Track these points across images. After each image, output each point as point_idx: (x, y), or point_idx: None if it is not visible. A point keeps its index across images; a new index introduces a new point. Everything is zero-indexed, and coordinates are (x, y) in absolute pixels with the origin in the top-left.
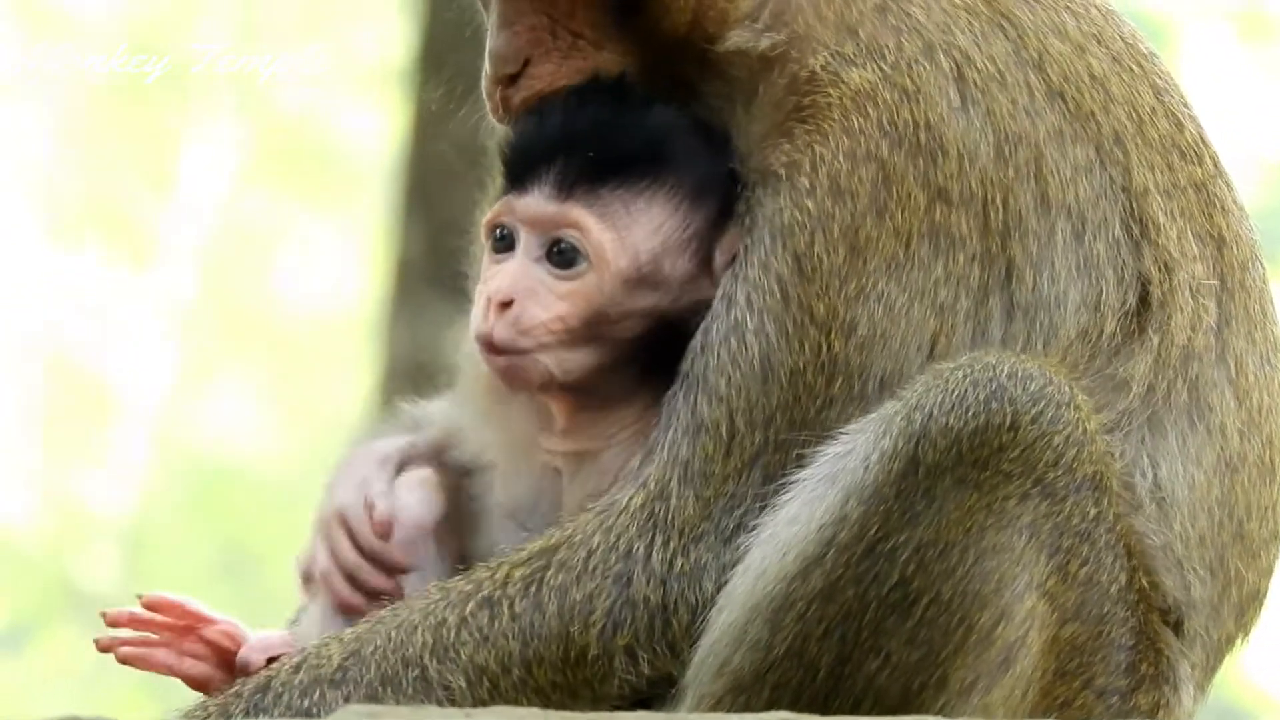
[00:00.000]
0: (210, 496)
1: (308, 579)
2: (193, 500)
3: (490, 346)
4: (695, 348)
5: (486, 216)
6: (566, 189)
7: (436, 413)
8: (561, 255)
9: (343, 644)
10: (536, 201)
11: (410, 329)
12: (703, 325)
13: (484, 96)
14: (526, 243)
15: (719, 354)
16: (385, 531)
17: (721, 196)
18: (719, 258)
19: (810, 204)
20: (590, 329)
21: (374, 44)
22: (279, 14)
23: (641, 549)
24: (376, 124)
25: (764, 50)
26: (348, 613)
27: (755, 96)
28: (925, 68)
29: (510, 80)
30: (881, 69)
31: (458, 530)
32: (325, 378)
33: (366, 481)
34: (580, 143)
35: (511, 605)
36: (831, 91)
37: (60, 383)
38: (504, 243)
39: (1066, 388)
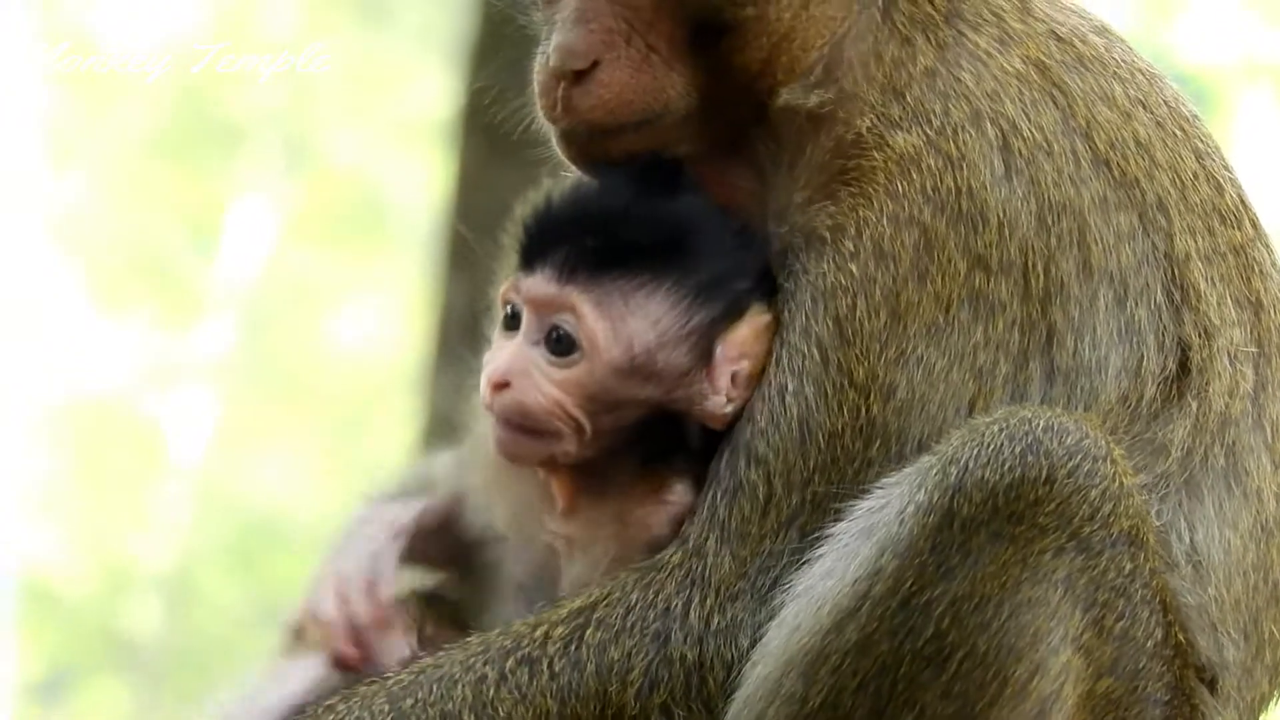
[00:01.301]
0: (252, 548)
1: (302, 632)
2: (234, 552)
3: (496, 418)
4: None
5: (500, 290)
6: (568, 273)
7: (445, 470)
8: (558, 341)
9: (389, 695)
10: (539, 283)
11: (452, 383)
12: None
13: (538, 93)
14: (527, 324)
15: (758, 416)
16: (380, 622)
17: (730, 295)
18: (720, 354)
19: (853, 267)
20: (587, 415)
21: (420, 101)
22: (329, 71)
23: (680, 606)
24: (421, 180)
25: (812, 108)
26: (343, 669)
27: (801, 157)
28: (971, 135)
29: (575, 79)
30: (927, 134)
31: (466, 603)
32: (367, 431)
33: (376, 556)
34: (588, 228)
35: (550, 664)
36: (876, 155)
37: (104, 435)
38: (513, 320)
39: (1103, 442)
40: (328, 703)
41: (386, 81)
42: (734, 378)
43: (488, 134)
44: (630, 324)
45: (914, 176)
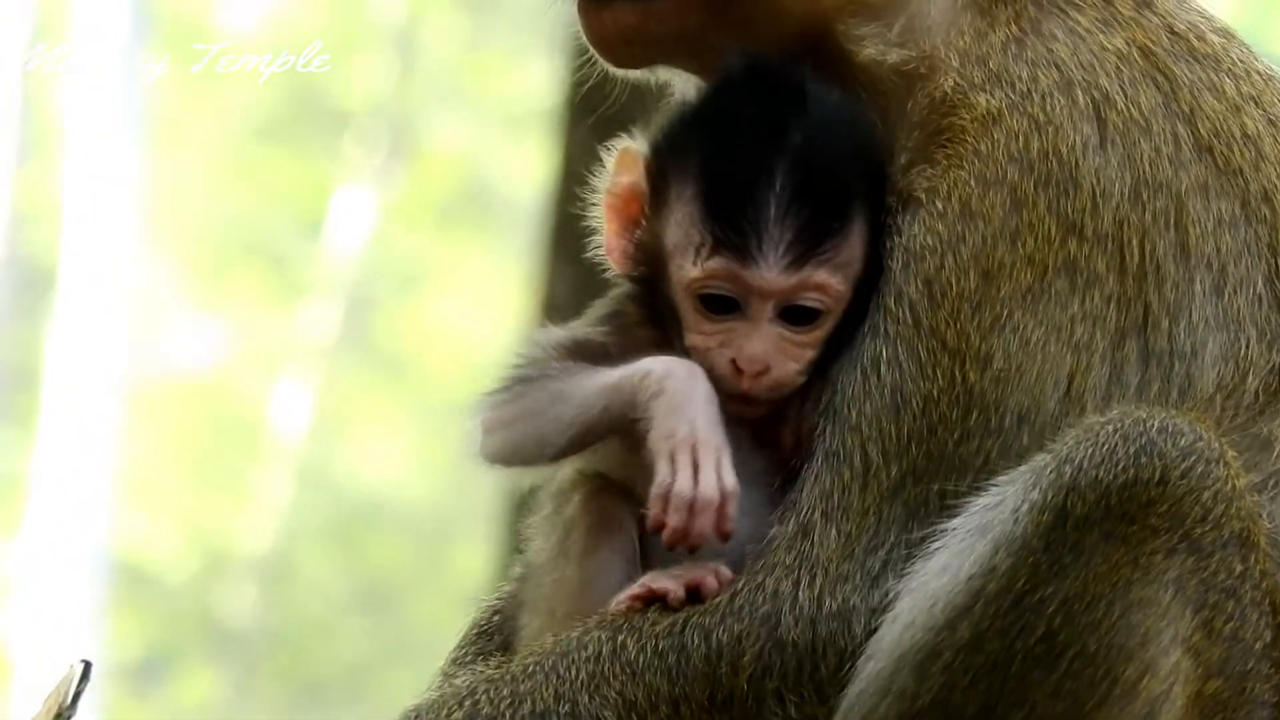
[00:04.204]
0: (352, 532)
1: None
2: (334, 535)
3: (751, 400)
4: (836, 378)
5: (692, 275)
6: (802, 257)
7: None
8: (801, 314)
9: (509, 678)
10: (771, 275)
11: None
12: (842, 355)
13: None
14: (760, 308)
15: (854, 384)
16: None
17: (883, 163)
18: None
19: (941, 227)
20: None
21: (525, 87)
22: (436, 58)
23: (788, 588)
24: (525, 167)
25: (896, 64)
26: (676, 545)
27: (901, 116)
28: (1060, 101)
29: None
30: (1010, 96)
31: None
32: (467, 417)
33: (721, 439)
34: (793, 196)
35: (656, 641)
36: (964, 114)
37: (205, 417)
38: (722, 303)
39: (1216, 444)
40: (456, 683)
41: (492, 68)
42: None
43: (592, 121)
44: (857, 260)
45: (997, 136)
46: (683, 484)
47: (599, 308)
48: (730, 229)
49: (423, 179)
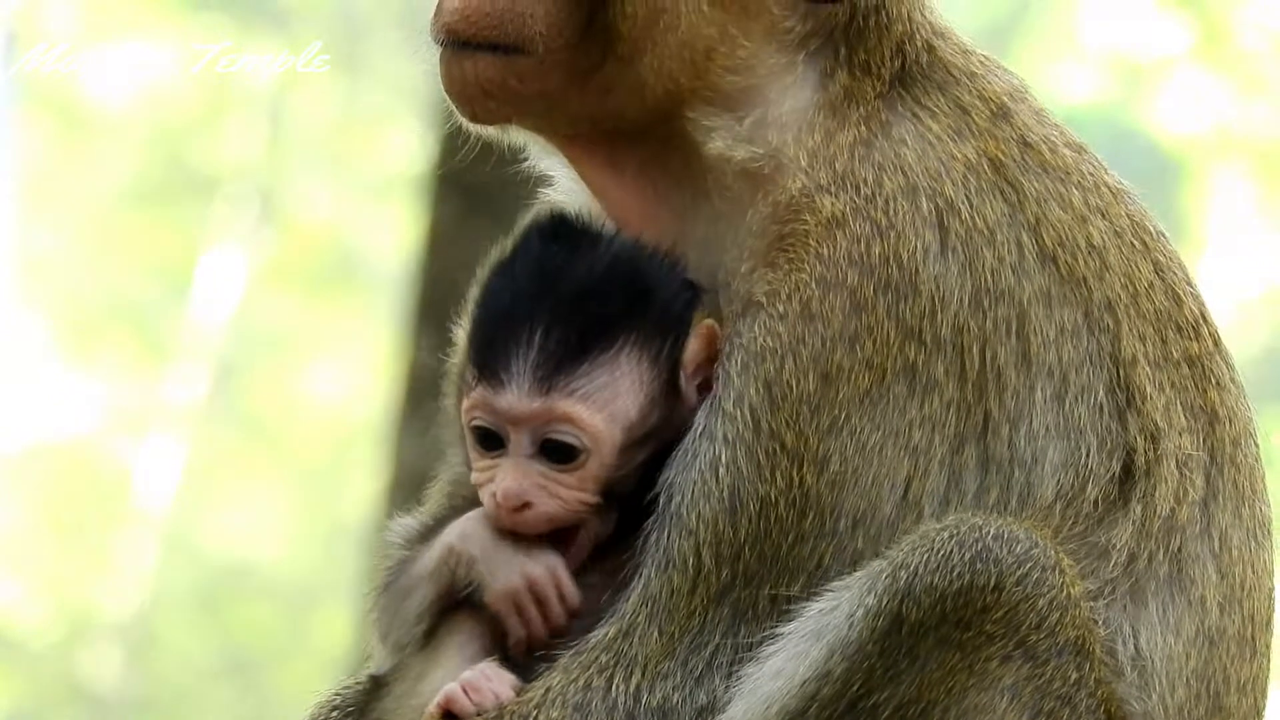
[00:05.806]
0: (217, 597)
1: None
2: (199, 600)
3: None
4: (671, 483)
5: (463, 410)
6: (545, 380)
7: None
8: (558, 450)
9: None
10: (515, 400)
11: (419, 438)
12: (678, 460)
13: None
14: (516, 440)
15: (692, 489)
16: (575, 610)
17: (681, 319)
18: (683, 380)
19: (782, 329)
20: (605, 497)
21: (393, 155)
22: (305, 124)
23: (601, 682)
24: (392, 234)
25: (743, 160)
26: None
27: (742, 221)
28: (903, 206)
29: None
30: (854, 201)
31: None
32: (334, 482)
33: (550, 561)
34: (546, 323)
35: None
36: (808, 218)
37: (70, 481)
38: (489, 439)
39: (1052, 551)
40: None
41: (360, 135)
42: (697, 389)
43: (460, 190)
44: (620, 399)
45: (840, 240)
46: (537, 632)
47: (439, 479)
48: (485, 358)
49: (291, 244)
